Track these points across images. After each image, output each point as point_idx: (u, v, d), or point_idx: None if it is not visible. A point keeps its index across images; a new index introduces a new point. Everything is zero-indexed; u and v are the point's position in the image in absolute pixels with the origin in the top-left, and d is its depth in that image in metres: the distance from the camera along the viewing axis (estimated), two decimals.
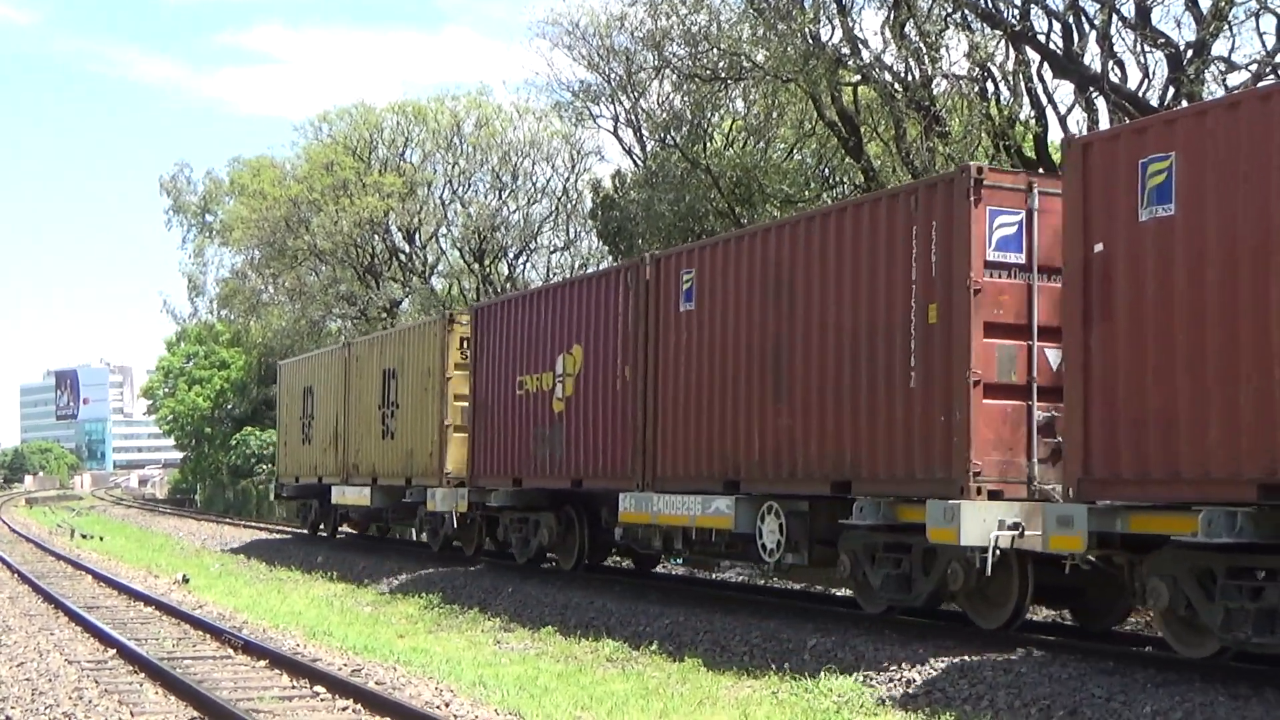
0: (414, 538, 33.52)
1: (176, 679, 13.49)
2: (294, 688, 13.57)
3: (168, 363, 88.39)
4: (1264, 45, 24.58)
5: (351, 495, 32.02)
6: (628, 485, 19.70)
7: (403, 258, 58.61)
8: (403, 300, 57.98)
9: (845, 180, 33.94)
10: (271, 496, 43.79)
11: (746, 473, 17.15)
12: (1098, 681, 12.09)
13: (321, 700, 12.88)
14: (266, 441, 69.94)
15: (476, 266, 54.65)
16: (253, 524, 51.98)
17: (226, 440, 76.49)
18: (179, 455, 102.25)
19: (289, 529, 45.98)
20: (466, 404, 25.50)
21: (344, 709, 12.36)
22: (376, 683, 13.45)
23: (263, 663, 15.10)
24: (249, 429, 73.34)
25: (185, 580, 26.43)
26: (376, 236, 57.17)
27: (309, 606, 22.59)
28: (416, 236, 58.28)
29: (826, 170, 35.71)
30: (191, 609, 20.33)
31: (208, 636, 17.41)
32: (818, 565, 16.72)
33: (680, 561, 24.27)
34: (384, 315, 55.58)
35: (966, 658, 13.54)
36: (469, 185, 57.06)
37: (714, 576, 24.72)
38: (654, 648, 16.18)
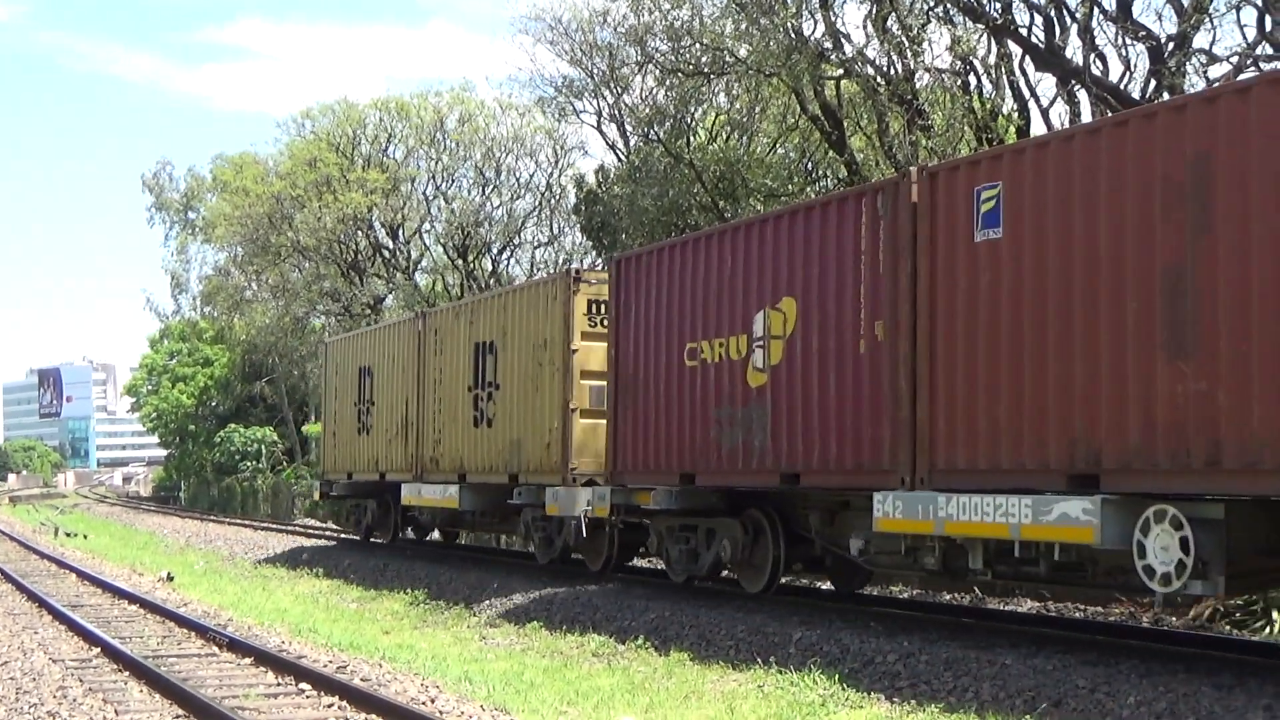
0: (509, 545, 30.31)
1: (161, 677, 13.45)
2: (279, 685, 13.53)
3: (151, 360, 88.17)
4: (1244, 37, 24.62)
5: (430, 495, 26.19)
6: (884, 481, 14.54)
7: (386, 254, 58.58)
8: (386, 296, 57.92)
9: (828, 174, 33.95)
10: (315, 496, 37.56)
11: (1114, 461, 12.04)
12: (1081, 673, 12.10)
13: (307, 697, 12.85)
14: (250, 438, 69.92)
15: (460, 262, 54.64)
16: (276, 526, 51.48)
17: (210, 437, 76.35)
18: (163, 453, 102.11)
19: (313, 529, 45.57)
20: (598, 382, 20.57)
21: (329, 705, 12.33)
22: (362, 679, 13.43)
23: (248, 660, 15.06)
24: (233, 426, 73.25)
25: (170, 578, 26.36)
26: (360, 233, 57.14)
27: (294, 604, 22.57)
28: (400, 232, 58.26)
29: (809, 164, 35.71)
30: (176, 607, 20.27)
31: (192, 634, 17.35)
32: (1237, 595, 13.42)
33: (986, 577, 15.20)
34: (368, 311, 55.53)
35: (952, 651, 13.53)
36: (452, 181, 57.12)
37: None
38: (640, 642, 16.17)
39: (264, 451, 69.61)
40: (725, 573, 19.19)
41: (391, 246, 58.53)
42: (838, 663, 13.84)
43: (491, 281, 53.11)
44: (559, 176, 53.56)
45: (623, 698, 12.93)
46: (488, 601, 20.97)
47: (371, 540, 31.72)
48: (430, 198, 57.65)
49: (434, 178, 57.30)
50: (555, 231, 54.39)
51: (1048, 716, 11.22)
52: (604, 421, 20.24)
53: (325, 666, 14.34)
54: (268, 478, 66.45)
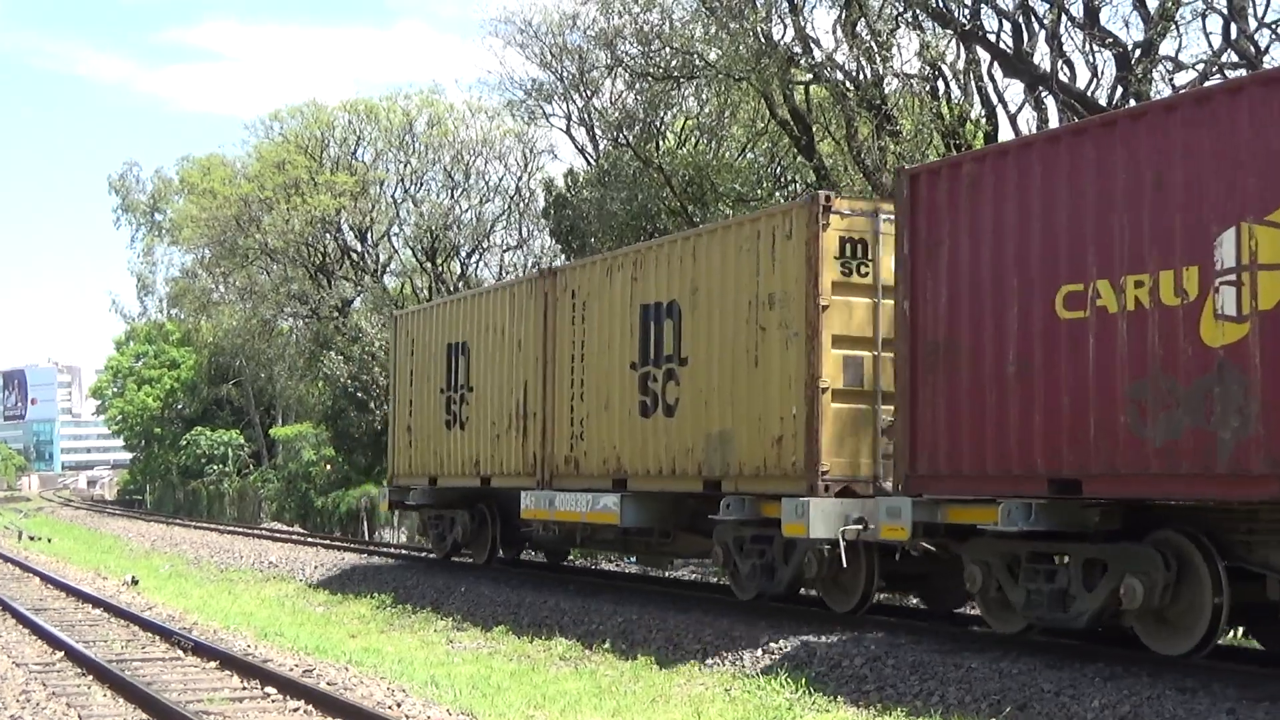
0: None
1: (125, 681, 13.36)
2: (244, 689, 13.46)
3: (116, 362, 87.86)
4: (1210, 45, 24.85)
5: (569, 506, 19.58)
6: None
7: (355, 256, 58.48)
8: (355, 299, 57.82)
9: (797, 179, 34.04)
10: (383, 505, 30.16)
11: None
12: (1047, 676, 12.15)
13: (273, 701, 12.79)
14: (217, 442, 69.66)
15: (429, 265, 54.60)
16: (243, 530, 51.35)
17: (176, 441, 76.08)
18: (128, 456, 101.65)
19: (279, 534, 45.27)
20: (856, 352, 15.25)
21: (295, 710, 12.27)
22: (328, 683, 13.36)
23: (213, 664, 14.99)
24: (199, 429, 72.97)
25: (134, 582, 26.21)
26: (328, 235, 57.06)
27: (260, 607, 22.45)
28: (369, 235, 58.19)
29: (779, 169, 35.80)
30: (141, 610, 20.15)
31: (157, 638, 17.26)
32: None
33: None
34: (335, 314, 55.39)
35: (918, 655, 13.57)
36: (421, 184, 57.12)
37: (666, 574, 24.71)
38: (607, 646, 16.17)
39: (230, 455, 69.36)
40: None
41: (360, 249, 58.44)
42: (804, 666, 13.86)
43: (460, 285, 53.00)
44: (528, 180, 53.62)
45: (590, 701, 12.91)
46: (454, 604, 20.90)
47: (453, 559, 25.72)
48: (399, 201, 57.65)
49: (403, 181, 57.28)
50: (524, 235, 54.45)
51: None
52: (862, 406, 15.17)
53: (291, 670, 14.26)
54: (234, 481, 66.24)
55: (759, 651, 14.73)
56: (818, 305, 15.11)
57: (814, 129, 31.09)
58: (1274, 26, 24.18)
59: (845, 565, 14.67)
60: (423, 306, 27.37)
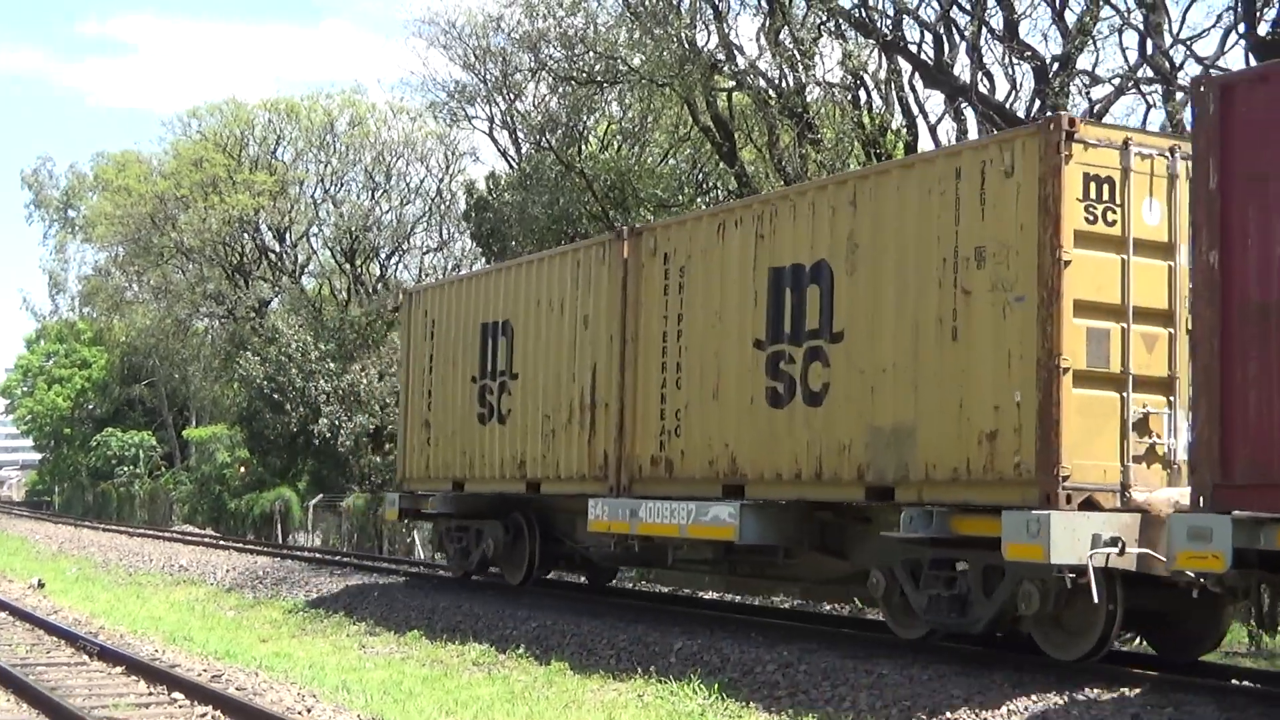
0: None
1: (28, 686, 13.13)
2: (151, 694, 13.29)
3: (26, 361, 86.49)
4: (1126, 60, 25.23)
5: (661, 519, 15.69)
6: None
7: (273, 256, 58.02)
8: (272, 300, 57.32)
9: (719, 186, 34.17)
10: (389, 514, 24.46)
11: None
12: (957, 683, 12.26)
13: (180, 707, 12.63)
14: (128, 443, 68.74)
15: (348, 267, 54.25)
16: (153, 533, 50.57)
17: (87, 441, 74.94)
18: (37, 457, 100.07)
19: (191, 536, 44.72)
20: (1106, 324, 11.98)
21: (203, 715, 12.13)
22: (237, 688, 13.24)
23: (119, 669, 14.78)
24: (110, 430, 71.93)
25: (40, 585, 25.80)
26: (246, 235, 56.60)
27: (169, 611, 22.20)
28: (287, 235, 57.76)
29: (700, 175, 35.91)
30: (46, 614, 19.85)
31: (62, 642, 16.99)
32: None
33: None
34: (252, 315, 54.87)
35: (830, 660, 13.67)
36: (341, 184, 56.78)
37: (580, 580, 24.70)
38: (521, 651, 16.12)
39: (142, 456, 68.46)
40: None
41: (278, 249, 58.00)
42: (718, 672, 13.89)
43: (379, 287, 52.70)
44: (449, 182, 53.45)
45: (502, 707, 12.88)
46: (368, 609, 20.76)
47: (473, 578, 21.99)
48: (319, 201, 57.26)
49: (323, 181, 56.93)
50: (445, 237, 54.26)
51: None
52: (1107, 393, 11.95)
53: (199, 675, 14.12)
54: (145, 483, 65.38)
55: (672, 657, 14.76)
56: (1057, 260, 11.66)
57: (736, 136, 31.25)
58: (1188, 43, 24.61)
59: (1095, 599, 11.22)
60: (448, 279, 22.72)
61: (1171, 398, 12.19)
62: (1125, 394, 12.01)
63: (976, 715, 11.45)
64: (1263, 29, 22.82)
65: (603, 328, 17.30)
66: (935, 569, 12.95)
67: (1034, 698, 11.52)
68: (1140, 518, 11.46)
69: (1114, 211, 12.07)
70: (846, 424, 13.52)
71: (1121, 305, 12.08)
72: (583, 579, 22.21)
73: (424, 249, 55.27)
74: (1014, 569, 11.97)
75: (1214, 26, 24.20)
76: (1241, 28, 23.15)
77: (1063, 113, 11.94)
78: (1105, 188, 12.08)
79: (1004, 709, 11.34)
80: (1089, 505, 11.65)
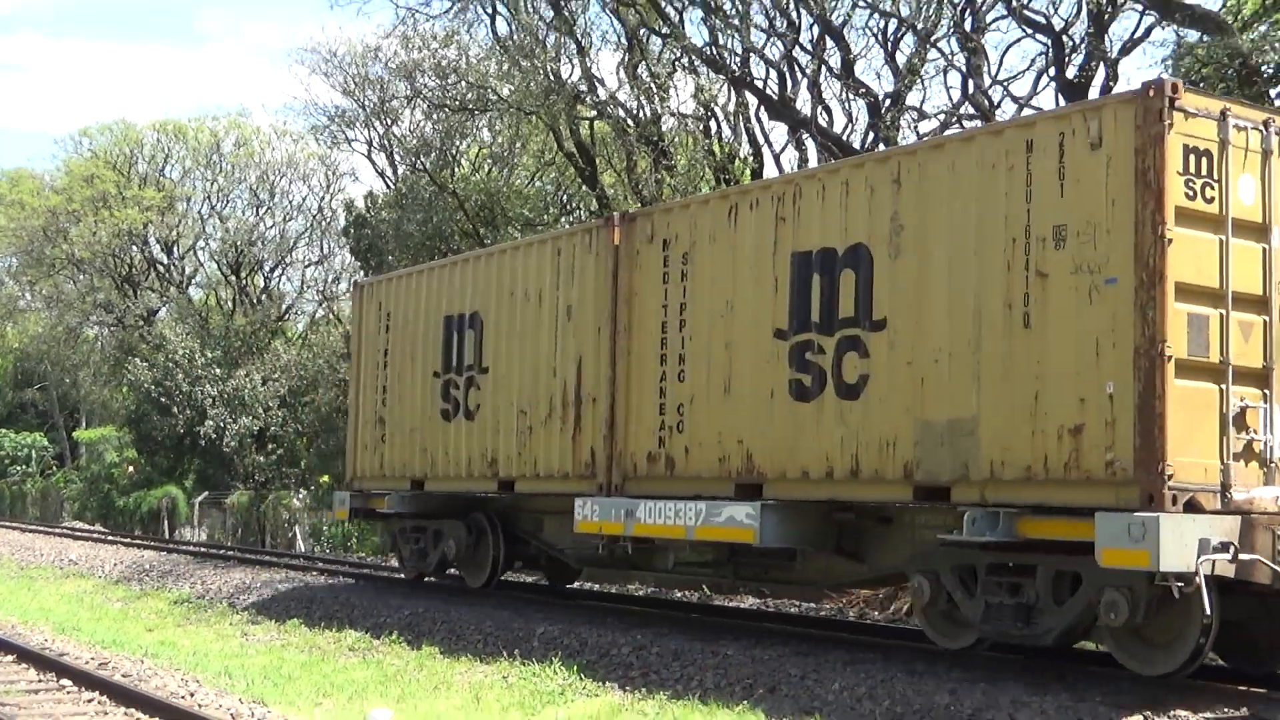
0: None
1: None
2: (40, 681, 12.95)
3: None
4: (950, 97, 25.81)
5: (666, 518, 13.55)
6: None
7: (161, 268, 56.85)
8: (160, 309, 56.16)
9: (581, 207, 34.22)
10: (338, 514, 21.41)
11: None
12: (794, 662, 12.41)
13: (67, 693, 12.32)
14: (21, 444, 66.73)
15: (233, 278, 53.39)
16: (44, 529, 49.01)
17: None
18: None
19: (80, 532, 43.48)
20: (1199, 309, 10.22)
21: (90, 701, 11.87)
22: (123, 675, 12.97)
23: (9, 658, 14.34)
24: (2, 431, 69.76)
25: None
26: (135, 247, 55.39)
27: (59, 603, 21.59)
28: (175, 249, 56.66)
29: (564, 197, 35.94)
30: None
31: None
32: None
33: None
34: (141, 323, 53.66)
35: (680, 643, 13.72)
36: (227, 201, 55.85)
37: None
38: (394, 637, 15.96)
39: (34, 456, 66.53)
40: None
41: (166, 261, 56.86)
42: (577, 654, 13.89)
43: (263, 298, 51.95)
44: (330, 200, 52.87)
45: (376, 689, 12.76)
46: (251, 600, 20.41)
47: (426, 580, 19.83)
48: (205, 216, 56.26)
49: (209, 198, 55.97)
50: (325, 252, 53.61)
51: (763, 702, 11.48)
52: (1207, 385, 10.19)
53: (87, 663, 13.79)
54: (37, 482, 63.56)
55: (535, 641, 14.72)
56: (1160, 239, 9.82)
57: (597, 161, 31.31)
58: (1005, 83, 25.25)
59: (1206, 609, 9.54)
60: (406, 271, 19.43)
61: (1267, 390, 10.52)
62: (1224, 386, 10.29)
63: (810, 691, 11.58)
64: (1071, 72, 23.50)
65: (589, 319, 15.03)
66: (996, 574, 11.08)
67: (863, 674, 11.66)
68: (1241, 520, 9.94)
69: (1212, 187, 10.34)
70: (890, 418, 11.52)
71: (1220, 290, 10.28)
72: (542, 580, 20.15)
73: (305, 262, 54.57)
74: (1095, 576, 10.19)
75: (1028, 69, 24.91)
76: (1052, 70, 23.83)
77: (1164, 77, 10.09)
78: (1204, 161, 10.31)
79: (836, 686, 11.49)
80: (1191, 507, 9.85)
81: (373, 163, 43.05)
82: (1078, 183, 10.38)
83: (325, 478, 38.29)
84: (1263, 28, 20.98)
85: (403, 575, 20.12)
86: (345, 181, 53.08)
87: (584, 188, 32.56)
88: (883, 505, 12.16)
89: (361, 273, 39.78)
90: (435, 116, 35.39)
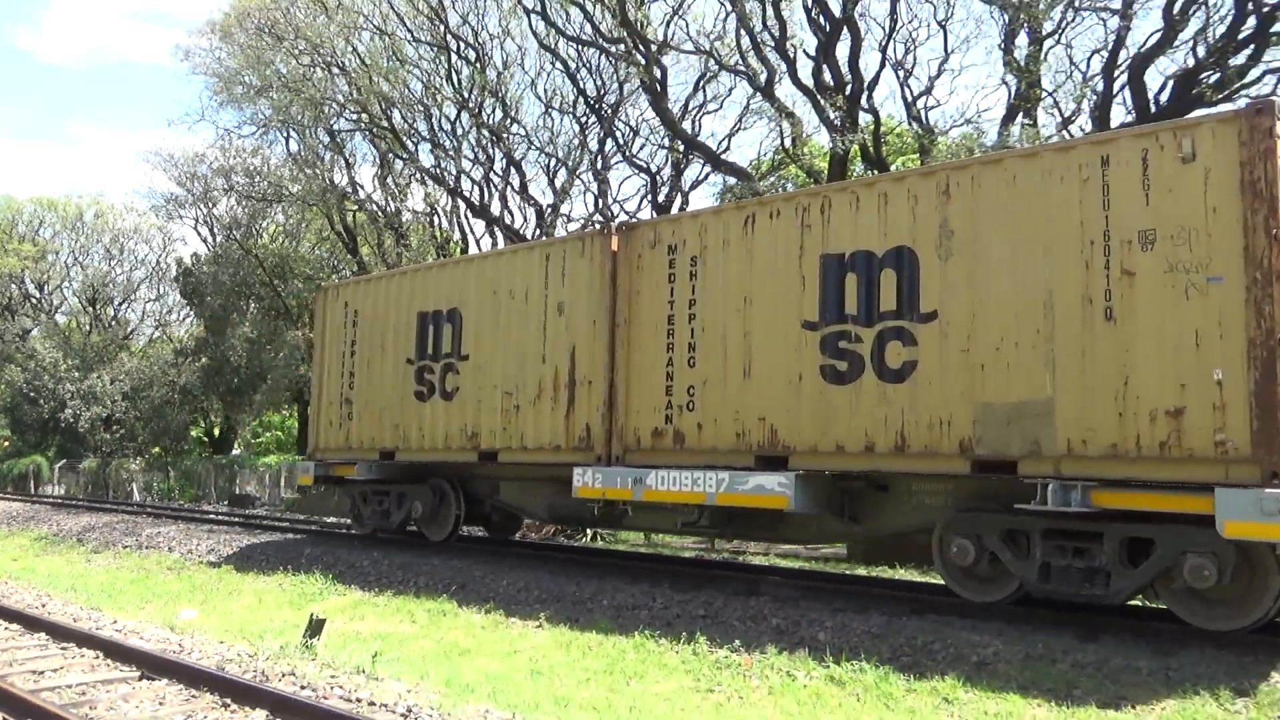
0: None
1: None
2: None
3: None
4: (587, 208, 26.31)
5: (682, 485, 10.41)
6: None
7: (34, 300, 51.01)
8: (32, 329, 50.38)
9: (345, 268, 32.93)
10: (304, 480, 15.82)
11: None
12: (480, 568, 12.23)
13: None
14: None
15: (90, 309, 48.60)
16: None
17: None
18: None
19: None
20: None
21: None
22: None
23: None
24: None
25: None
26: (14, 285, 49.57)
27: None
28: (45, 287, 50.96)
29: (335, 261, 34.55)
30: None
31: None
32: None
33: None
34: (17, 339, 47.91)
35: (405, 557, 13.28)
36: (88, 254, 50.66)
37: (249, 512, 23.01)
38: (199, 560, 14.81)
39: None
40: None
41: (39, 296, 51.08)
42: (332, 568, 13.24)
43: (114, 324, 47.47)
44: (165, 257, 48.92)
45: (185, 596, 11.76)
46: (95, 536, 18.47)
47: (379, 535, 15.61)
48: (70, 265, 50.88)
49: (73, 251, 50.61)
50: (160, 292, 49.56)
51: (457, 594, 11.25)
52: None
53: None
54: None
55: (303, 559, 13.94)
56: (1275, 240, 7.61)
57: (358, 238, 30.26)
58: (622, 202, 25.99)
59: None
60: (373, 275, 15.76)
61: None
62: None
63: (489, 585, 11.38)
64: (661, 197, 24.39)
65: (583, 314, 11.93)
66: (1055, 538, 8.57)
67: (529, 571, 11.61)
68: None
69: None
70: (943, 400, 8.96)
71: None
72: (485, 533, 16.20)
73: (146, 299, 50.26)
74: (1173, 542, 7.97)
75: (635, 195, 25.63)
76: (650, 197, 24.72)
77: (1272, 98, 8.04)
78: None
79: (504, 582, 11.33)
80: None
81: (198, 232, 40.05)
82: (1169, 192, 8.04)
83: (157, 449, 35.27)
84: (771, 178, 22.50)
85: (356, 532, 15.87)
86: (177, 244, 49.19)
87: (349, 255, 31.36)
88: (867, 475, 9.69)
89: (188, 309, 36.99)
90: (244, 203, 33.35)
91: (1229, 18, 15.69)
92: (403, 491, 14.79)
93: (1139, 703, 6.68)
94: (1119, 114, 17.76)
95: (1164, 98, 16.42)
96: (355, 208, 28.99)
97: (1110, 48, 16.81)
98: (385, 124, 25.91)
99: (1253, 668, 7.22)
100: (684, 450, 10.74)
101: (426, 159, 26.55)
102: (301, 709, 6.00)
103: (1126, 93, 16.62)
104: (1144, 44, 16.45)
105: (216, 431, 41.20)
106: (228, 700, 6.45)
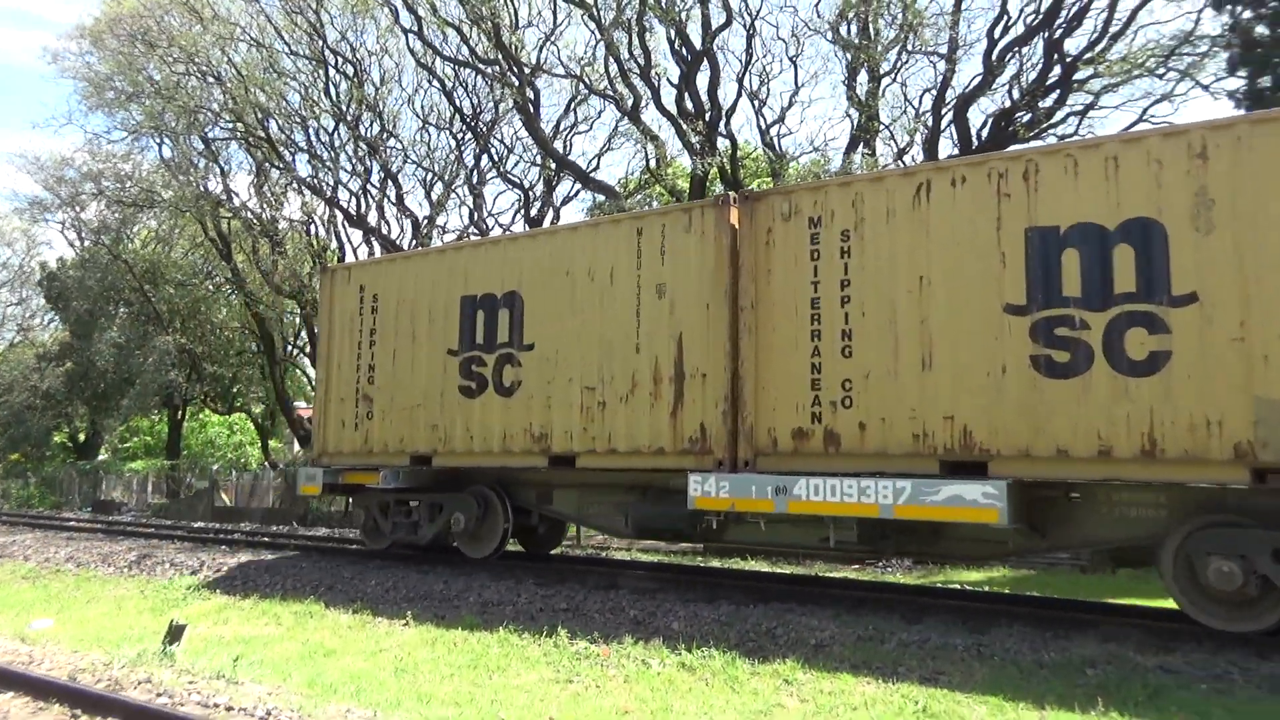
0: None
1: None
2: None
3: None
4: (461, 220, 25.95)
5: (851, 496, 8.28)
6: None
7: None
8: None
9: (219, 274, 31.46)
10: (308, 489, 12.65)
11: None
12: (347, 569, 11.82)
13: None
14: None
15: None
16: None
17: None
18: None
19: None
20: None
21: None
22: None
23: None
24: None
25: None
26: None
27: None
28: None
29: (210, 268, 32.94)
30: None
31: None
32: None
33: None
34: None
35: (274, 563, 12.74)
36: None
37: (113, 519, 21.60)
38: (57, 568, 13.78)
39: None
40: None
41: None
42: (197, 572, 12.56)
43: None
44: (29, 260, 45.61)
45: (40, 606, 10.91)
46: None
47: (386, 548, 12.73)
48: None
49: None
50: (24, 297, 46.14)
51: (324, 595, 10.83)
52: None
53: None
54: None
55: (167, 564, 13.18)
56: None
57: (232, 245, 28.96)
58: (496, 215, 25.75)
59: None
60: (400, 255, 12.75)
61: None
62: None
63: (356, 586, 11.01)
64: (532, 211, 24.30)
65: (691, 296, 9.83)
66: None
67: (391, 574, 11.29)
68: None
69: None
70: (1209, 397, 7.20)
71: None
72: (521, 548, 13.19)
73: (7, 303, 46.73)
74: None
75: (510, 209, 25.39)
76: (523, 212, 24.58)
77: None
78: None
79: (373, 582, 11.00)
80: None
81: (65, 236, 37.58)
82: None
83: (16, 455, 32.78)
84: (638, 196, 22.71)
85: (372, 547, 12.82)
86: (42, 248, 45.97)
87: (223, 262, 29.98)
88: (1061, 484, 7.89)
89: (53, 313, 34.62)
90: (114, 208, 31.40)
91: (1039, 65, 16.81)
92: (437, 502, 11.98)
93: (956, 675, 6.98)
94: (946, 147, 18.75)
95: (985, 134, 17.41)
96: (230, 215, 27.71)
97: (938, 88, 17.75)
98: (261, 134, 24.93)
99: (1051, 642, 7.64)
100: (839, 454, 8.64)
101: (304, 169, 25.73)
102: (155, 716, 5.68)
103: (954, 128, 17.56)
104: (968, 85, 17.47)
105: (82, 437, 38.64)
106: (78, 711, 6.05)
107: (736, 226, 9.60)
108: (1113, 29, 16.20)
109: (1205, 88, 15.91)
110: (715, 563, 13.18)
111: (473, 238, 19.61)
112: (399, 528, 12.34)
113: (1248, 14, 14.29)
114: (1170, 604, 8.52)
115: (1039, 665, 7.08)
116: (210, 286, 30.78)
